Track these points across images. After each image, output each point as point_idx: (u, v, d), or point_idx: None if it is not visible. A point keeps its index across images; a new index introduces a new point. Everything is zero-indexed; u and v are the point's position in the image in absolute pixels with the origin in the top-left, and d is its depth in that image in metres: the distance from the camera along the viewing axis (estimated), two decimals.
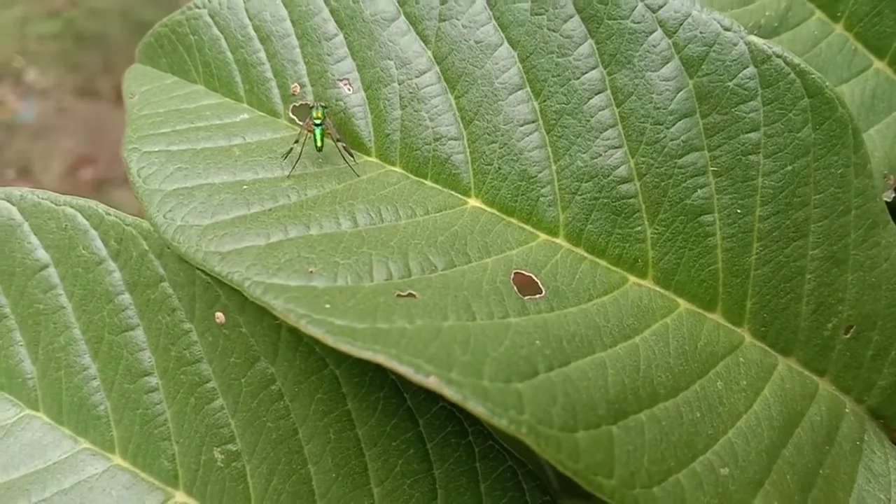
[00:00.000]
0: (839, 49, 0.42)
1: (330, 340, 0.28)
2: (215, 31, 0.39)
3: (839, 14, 0.42)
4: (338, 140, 0.36)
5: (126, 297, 0.36)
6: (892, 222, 0.37)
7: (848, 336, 0.37)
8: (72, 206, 0.37)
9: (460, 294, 0.32)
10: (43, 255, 0.37)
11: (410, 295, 0.31)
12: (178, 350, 0.35)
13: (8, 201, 0.38)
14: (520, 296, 0.33)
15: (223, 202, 0.34)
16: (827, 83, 0.33)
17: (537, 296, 0.33)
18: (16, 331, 0.38)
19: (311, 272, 0.31)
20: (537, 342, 0.31)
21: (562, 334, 0.32)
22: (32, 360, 0.38)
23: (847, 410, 0.38)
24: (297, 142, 0.36)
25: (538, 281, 0.34)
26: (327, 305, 0.29)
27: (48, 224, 0.37)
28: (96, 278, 0.36)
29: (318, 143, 0.36)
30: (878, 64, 0.42)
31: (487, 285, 0.32)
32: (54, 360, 0.38)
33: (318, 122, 0.36)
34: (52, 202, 0.37)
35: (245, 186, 0.35)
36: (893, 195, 0.41)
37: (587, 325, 0.33)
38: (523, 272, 0.34)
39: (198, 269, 0.33)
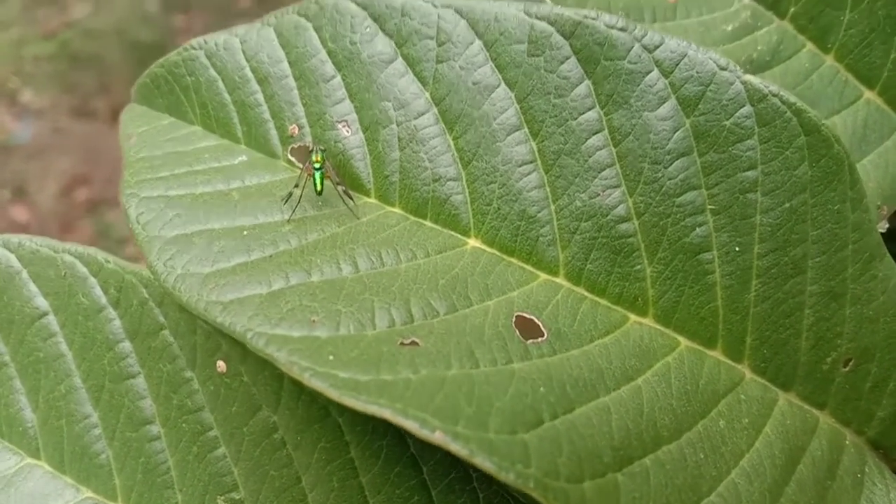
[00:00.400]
0: (830, 80, 0.42)
1: (334, 395, 0.28)
2: (212, 72, 0.39)
3: (830, 45, 0.42)
4: (338, 184, 0.36)
5: (126, 345, 0.36)
6: (888, 254, 0.37)
7: (847, 369, 0.37)
8: (71, 254, 0.37)
9: (463, 340, 0.32)
10: (42, 302, 0.37)
11: (414, 343, 0.31)
12: (179, 398, 0.35)
13: (6, 248, 0.38)
14: (522, 339, 0.33)
15: (224, 249, 0.34)
16: (823, 122, 0.34)
17: (539, 339, 0.33)
18: (16, 379, 0.38)
19: (314, 321, 0.31)
20: (541, 389, 0.31)
21: (565, 379, 0.32)
22: (33, 408, 0.38)
23: (847, 442, 0.38)
24: (296, 185, 0.36)
25: (540, 323, 0.34)
26: (331, 357, 0.29)
27: (47, 271, 0.37)
28: (96, 326, 0.36)
29: (318, 187, 0.36)
30: (869, 94, 0.43)
31: (490, 330, 0.33)
32: (55, 409, 0.37)
33: (317, 165, 0.36)
34: (50, 249, 0.37)
35: (245, 232, 0.35)
36: (887, 226, 0.41)
37: (590, 368, 0.33)
38: (525, 314, 0.34)
39: (199, 317, 0.33)
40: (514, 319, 0.34)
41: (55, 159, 2.41)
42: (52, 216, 2.27)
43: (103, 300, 0.36)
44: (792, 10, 0.42)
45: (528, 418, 0.29)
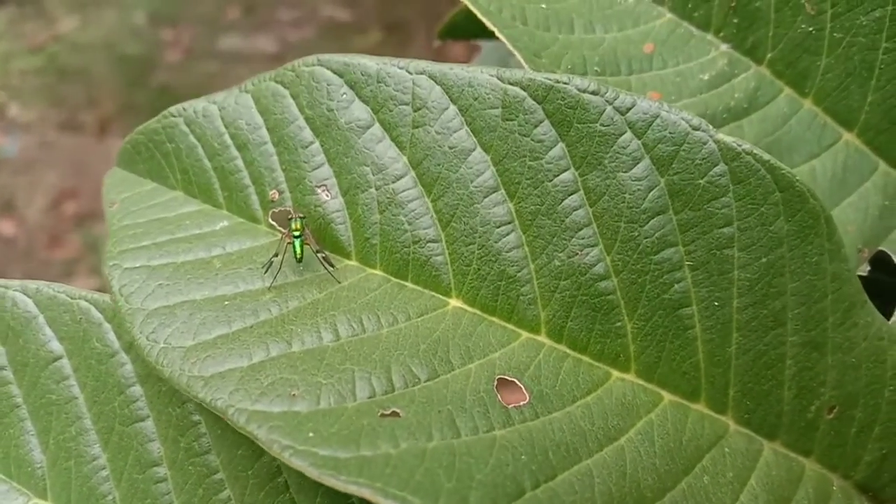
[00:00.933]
0: (809, 124, 0.42)
1: (314, 474, 0.28)
2: (192, 139, 0.40)
3: (807, 90, 0.42)
4: (317, 251, 0.36)
5: (137, 389, 0.37)
6: (868, 301, 0.37)
7: (831, 416, 0.37)
8: (86, 300, 0.38)
9: (444, 409, 0.32)
10: (57, 346, 0.38)
11: (394, 413, 0.31)
12: (187, 441, 0.36)
13: (25, 294, 0.39)
14: (504, 405, 0.33)
15: (205, 321, 0.34)
16: (797, 177, 0.34)
17: (521, 402, 0.33)
18: (27, 420, 0.39)
19: (294, 395, 0.31)
20: (523, 457, 0.31)
21: (547, 445, 0.32)
22: (43, 449, 0.39)
23: (834, 488, 0.38)
24: (276, 255, 0.36)
25: (521, 386, 0.34)
26: (311, 434, 0.29)
27: (63, 317, 0.38)
28: (109, 370, 0.37)
29: (298, 255, 0.36)
30: (848, 136, 0.43)
31: (471, 395, 0.33)
32: (64, 450, 0.38)
33: (297, 233, 0.36)
34: (67, 295, 0.38)
35: (226, 302, 0.35)
36: (869, 268, 0.41)
37: (573, 432, 0.33)
38: (507, 377, 0.34)
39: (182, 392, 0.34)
40: (495, 383, 0.34)
41: (43, 173, 2.42)
42: (40, 230, 2.28)
43: (116, 345, 0.37)
44: (769, 55, 0.42)
45: (510, 489, 0.29)
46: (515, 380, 0.34)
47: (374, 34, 2.83)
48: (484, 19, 0.38)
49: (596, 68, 0.40)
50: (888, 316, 0.40)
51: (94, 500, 0.37)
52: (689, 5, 0.42)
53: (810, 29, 0.41)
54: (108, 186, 0.42)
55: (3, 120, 2.62)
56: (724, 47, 0.43)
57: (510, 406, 0.33)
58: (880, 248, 0.42)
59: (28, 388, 0.39)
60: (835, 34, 0.41)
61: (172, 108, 0.40)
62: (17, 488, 0.38)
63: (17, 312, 0.39)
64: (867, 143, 0.43)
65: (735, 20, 0.42)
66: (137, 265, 0.37)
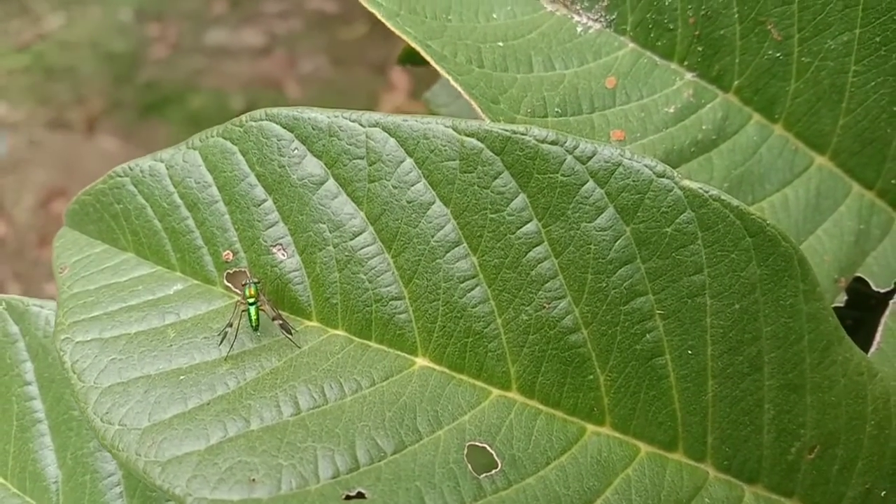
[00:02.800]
0: (780, 151, 0.41)
1: None
2: (140, 199, 0.38)
3: (777, 116, 0.41)
4: (274, 318, 0.35)
5: None
6: (846, 337, 0.36)
7: (812, 456, 0.36)
8: None
9: (412, 486, 0.31)
10: None
11: (360, 495, 0.30)
12: None
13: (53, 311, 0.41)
14: (475, 475, 0.32)
15: (160, 398, 0.33)
16: (767, 222, 0.33)
17: (493, 471, 0.32)
18: (47, 435, 0.40)
19: (254, 480, 0.30)
20: None
21: None
22: (59, 464, 0.40)
23: None
24: (230, 324, 0.35)
25: (493, 452, 0.33)
26: None
27: None
28: None
29: (254, 323, 0.35)
30: (820, 160, 0.42)
31: (440, 469, 0.32)
32: (81, 465, 0.39)
33: (251, 300, 0.35)
34: None
35: (182, 376, 0.34)
36: (846, 298, 0.40)
37: (547, 498, 0.32)
38: (477, 443, 0.33)
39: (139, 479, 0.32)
40: (465, 451, 0.33)
41: (32, 172, 2.39)
42: (30, 229, 2.25)
43: None
44: (736, 82, 0.41)
45: None
46: (486, 446, 0.33)
47: (361, 26, 2.80)
48: (438, 67, 0.37)
49: (557, 109, 0.39)
50: (866, 348, 0.39)
51: None
52: (652, 34, 0.41)
53: (777, 54, 0.40)
54: (58, 249, 0.40)
55: None
56: (689, 76, 0.41)
57: (481, 476, 0.32)
58: (857, 274, 0.41)
59: (52, 404, 0.40)
60: (803, 59, 0.40)
61: (118, 168, 0.38)
62: (28, 503, 0.39)
63: (49, 331, 0.41)
64: (840, 166, 0.42)
65: (700, 48, 0.41)
66: (89, 338, 0.35)
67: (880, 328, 0.41)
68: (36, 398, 0.40)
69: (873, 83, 0.40)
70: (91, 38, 2.85)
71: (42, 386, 0.40)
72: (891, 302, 0.41)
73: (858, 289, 0.43)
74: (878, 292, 0.43)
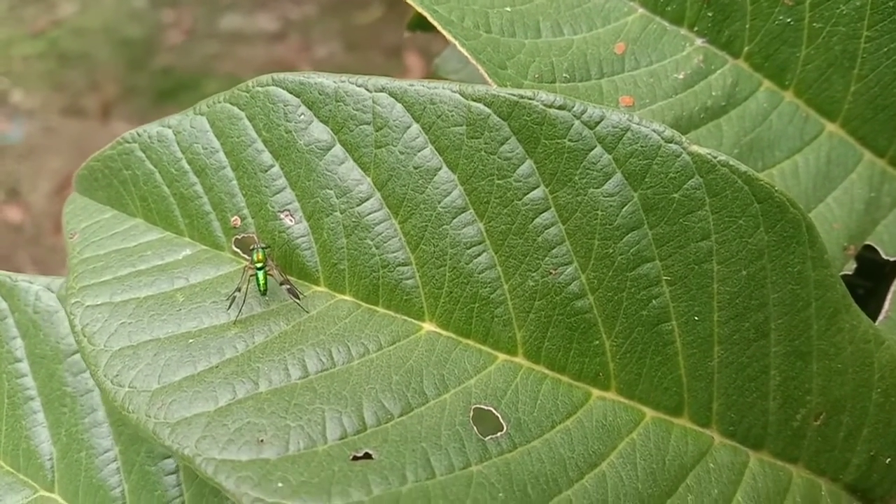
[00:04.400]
0: (790, 118, 0.41)
1: None
2: (148, 165, 0.38)
3: (788, 82, 0.41)
4: (282, 282, 0.35)
5: None
6: (854, 304, 0.36)
7: (818, 422, 0.36)
8: None
9: (418, 447, 0.31)
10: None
11: (367, 455, 0.30)
12: None
13: (48, 289, 0.41)
14: (480, 437, 0.32)
15: (170, 361, 0.33)
16: (776, 187, 0.32)
17: (498, 434, 0.32)
18: (39, 412, 0.40)
19: (262, 441, 0.30)
20: (500, 494, 0.30)
21: (525, 478, 0.31)
22: (53, 441, 0.40)
23: (823, 492, 0.37)
24: (238, 289, 0.35)
25: (499, 415, 0.33)
26: (280, 484, 0.29)
27: None
28: None
29: (262, 287, 0.35)
30: (831, 127, 0.41)
31: (447, 430, 0.32)
32: (77, 441, 0.39)
33: (259, 265, 0.35)
34: None
35: (191, 340, 0.34)
36: (855, 265, 0.40)
37: (552, 461, 0.32)
38: (483, 406, 0.33)
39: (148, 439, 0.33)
40: (471, 413, 0.33)
41: (47, 158, 2.40)
42: (46, 216, 2.27)
43: None
44: (746, 48, 0.41)
45: None
46: (492, 408, 0.33)
47: (375, 9, 2.78)
48: (444, 32, 0.37)
49: (565, 74, 0.39)
50: (874, 317, 0.39)
51: (102, 491, 0.38)
52: None
53: (788, 20, 0.39)
54: (68, 215, 0.40)
55: (6, 106, 2.59)
56: (699, 42, 0.41)
57: (487, 438, 0.32)
58: (867, 242, 0.41)
59: (44, 381, 0.40)
60: (814, 24, 0.39)
61: (127, 134, 0.38)
62: (23, 480, 0.39)
63: (39, 307, 0.40)
64: (851, 134, 0.41)
65: (710, 13, 0.40)
66: (99, 302, 0.36)
67: (889, 296, 0.41)
68: (27, 375, 0.40)
69: (886, 49, 0.39)
70: (105, 25, 2.84)
71: (33, 363, 0.40)
72: None
73: (870, 257, 0.43)
74: (890, 261, 0.42)
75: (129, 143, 0.38)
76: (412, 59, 2.53)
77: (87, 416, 0.39)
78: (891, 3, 0.38)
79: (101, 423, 0.39)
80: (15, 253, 2.15)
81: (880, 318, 0.39)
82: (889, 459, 0.37)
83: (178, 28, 2.83)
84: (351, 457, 0.30)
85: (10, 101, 2.61)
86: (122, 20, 2.86)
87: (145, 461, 0.38)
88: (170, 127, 0.38)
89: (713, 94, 0.40)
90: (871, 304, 0.41)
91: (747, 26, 0.40)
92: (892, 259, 0.42)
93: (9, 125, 2.52)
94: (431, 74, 0.59)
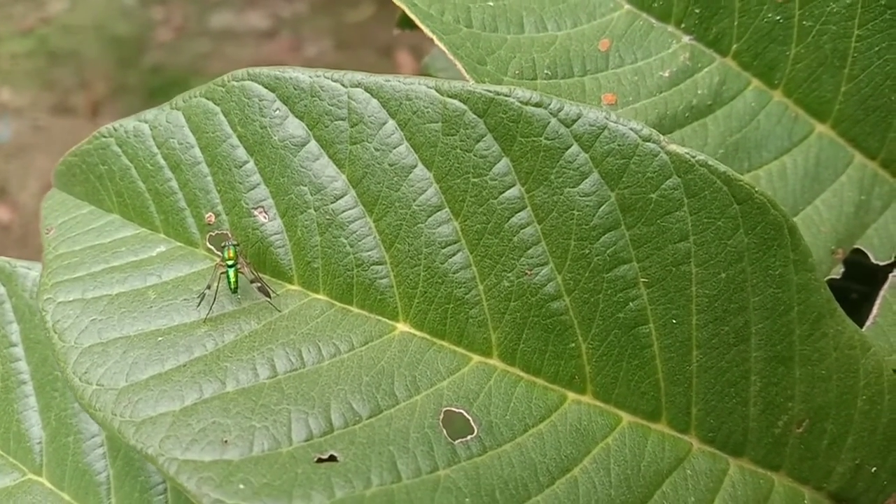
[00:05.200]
0: (779, 118, 0.40)
1: None
2: (125, 160, 0.38)
3: (777, 81, 0.40)
4: (253, 280, 0.35)
5: None
6: (839, 309, 0.35)
7: (801, 430, 0.36)
8: None
9: (385, 450, 0.30)
10: None
11: (332, 458, 0.30)
12: None
13: None
14: (450, 440, 0.31)
15: (138, 359, 0.33)
16: (756, 188, 0.32)
17: (469, 437, 0.32)
18: (31, 396, 0.40)
19: (226, 442, 0.30)
20: (467, 500, 0.30)
21: (494, 483, 0.30)
22: (43, 424, 0.40)
23: (806, 501, 0.37)
24: (208, 286, 0.34)
25: (470, 418, 0.32)
26: (241, 486, 0.28)
27: None
28: None
29: (233, 285, 0.35)
30: (821, 128, 0.40)
31: (415, 433, 0.31)
32: (65, 426, 0.39)
33: (230, 262, 0.35)
34: None
35: (160, 338, 0.34)
36: (843, 270, 0.39)
37: (522, 465, 0.31)
38: (454, 409, 0.33)
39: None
40: (441, 416, 0.32)
41: (36, 157, 2.40)
42: (35, 215, 2.27)
43: None
44: (735, 46, 0.40)
45: None
46: (463, 411, 0.33)
47: (367, 8, 2.78)
48: (422, 26, 0.36)
49: (547, 71, 0.38)
50: (861, 323, 0.38)
51: (88, 476, 0.38)
52: None
53: (777, 17, 0.39)
54: (46, 210, 0.40)
55: None
56: (685, 39, 0.40)
57: (456, 441, 0.31)
58: (856, 246, 0.40)
59: (37, 365, 0.40)
60: (804, 22, 0.38)
61: (103, 128, 0.38)
62: (12, 463, 0.39)
63: (35, 292, 0.41)
64: (842, 135, 0.41)
65: (697, 10, 0.39)
66: (71, 298, 0.35)
67: (878, 301, 0.40)
68: (21, 359, 0.40)
69: (877, 48, 0.38)
70: (95, 22, 2.84)
71: (28, 347, 0.40)
72: (890, 275, 0.40)
73: (864, 262, 0.42)
74: (883, 266, 0.41)
75: (105, 137, 0.38)
76: (403, 58, 2.53)
77: (76, 401, 0.39)
78: (882, 1, 0.37)
79: None
80: (3, 252, 2.15)
81: (868, 323, 0.38)
82: (875, 468, 0.37)
83: (169, 26, 2.83)
84: (315, 458, 0.30)
85: None
86: (111, 18, 2.87)
87: (130, 448, 0.38)
88: (146, 122, 0.37)
89: (699, 92, 0.39)
90: (864, 310, 0.40)
91: (735, 24, 0.39)
92: (882, 264, 0.41)
93: None
94: (421, 73, 0.59)
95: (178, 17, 2.86)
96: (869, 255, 0.40)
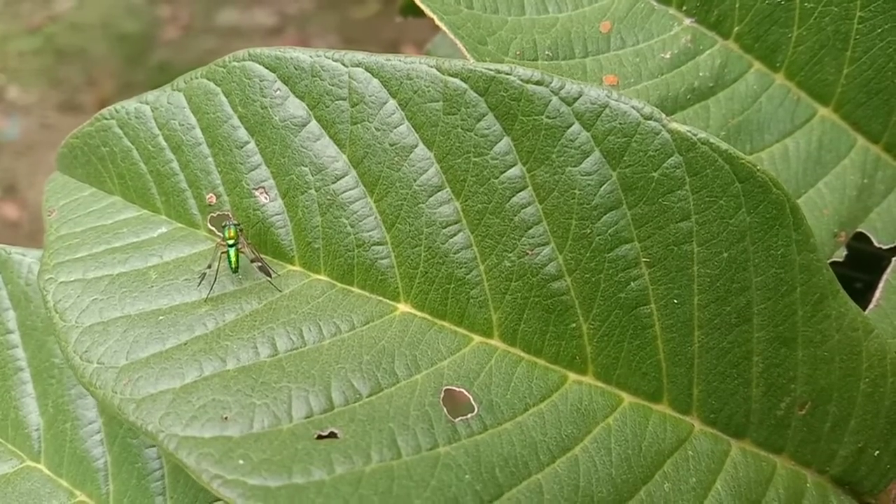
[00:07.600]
0: (781, 101, 0.40)
1: None
2: (126, 141, 0.38)
3: (779, 64, 0.40)
4: (254, 260, 0.35)
5: None
6: (841, 290, 0.35)
7: (804, 412, 0.35)
8: None
9: (385, 427, 0.30)
10: None
11: (332, 434, 0.30)
12: None
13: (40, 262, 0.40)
14: (450, 418, 0.31)
15: (139, 338, 0.33)
16: (758, 167, 0.32)
17: (469, 415, 0.32)
18: (29, 383, 0.40)
19: (226, 418, 0.30)
20: (467, 476, 0.29)
21: (494, 460, 0.30)
22: (41, 411, 0.40)
23: (808, 484, 0.36)
24: (209, 266, 0.34)
25: (470, 396, 0.32)
26: (241, 461, 0.28)
27: None
28: None
29: (233, 265, 0.34)
30: (824, 111, 0.40)
31: (415, 411, 0.31)
32: (62, 412, 0.39)
33: (231, 242, 0.35)
34: None
35: (161, 317, 0.34)
36: (846, 253, 0.39)
37: (523, 444, 0.31)
38: (455, 388, 0.32)
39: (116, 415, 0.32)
40: (442, 394, 0.32)
41: (44, 155, 2.41)
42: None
43: None
44: (736, 28, 0.40)
45: None
46: (464, 390, 0.32)
47: (372, 4, 2.78)
48: (423, 6, 0.36)
49: (548, 52, 0.38)
50: (864, 306, 0.38)
51: (86, 462, 0.39)
52: None
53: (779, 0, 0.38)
54: (48, 193, 0.40)
55: (2, 102, 2.60)
56: (687, 21, 0.40)
57: (457, 420, 0.31)
58: (858, 230, 0.40)
59: (34, 352, 0.40)
60: (806, 4, 0.38)
61: (105, 111, 0.38)
62: (10, 450, 0.40)
63: (31, 279, 0.41)
64: (844, 118, 0.40)
65: None
66: (72, 279, 0.35)
67: (881, 284, 0.40)
68: (18, 346, 0.40)
69: (880, 30, 0.38)
70: (102, 20, 2.85)
71: (24, 334, 0.40)
72: (893, 258, 0.40)
73: (869, 250, 0.42)
74: (888, 254, 0.41)
75: (107, 119, 0.38)
76: (409, 53, 2.53)
77: (74, 387, 0.39)
78: None
79: (87, 395, 0.39)
80: None
81: (871, 306, 0.38)
82: (878, 452, 0.36)
83: (175, 23, 2.84)
84: (315, 435, 0.30)
85: (6, 98, 2.62)
86: (118, 15, 2.87)
87: (127, 433, 0.38)
88: (147, 103, 0.37)
89: (700, 74, 0.39)
90: (868, 298, 0.40)
91: (737, 6, 0.39)
92: (884, 247, 0.40)
93: (5, 121, 2.53)
94: None
95: (185, 14, 2.87)
96: (872, 238, 0.40)
